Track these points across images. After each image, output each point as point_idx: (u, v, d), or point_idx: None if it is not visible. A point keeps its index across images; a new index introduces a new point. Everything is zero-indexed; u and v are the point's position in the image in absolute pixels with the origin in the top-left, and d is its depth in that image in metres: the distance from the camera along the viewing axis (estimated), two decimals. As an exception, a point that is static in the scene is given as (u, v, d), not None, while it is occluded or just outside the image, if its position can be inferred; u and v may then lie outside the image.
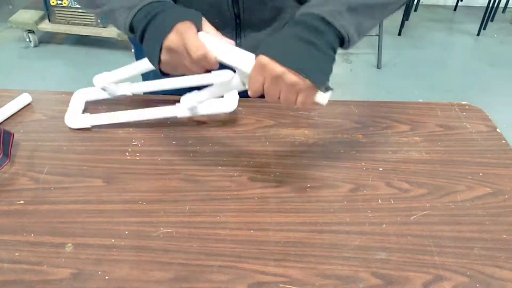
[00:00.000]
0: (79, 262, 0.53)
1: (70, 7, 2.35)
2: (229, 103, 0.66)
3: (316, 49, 0.51)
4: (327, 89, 0.52)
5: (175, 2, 0.68)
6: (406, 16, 2.87)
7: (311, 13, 0.52)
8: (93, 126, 0.74)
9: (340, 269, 0.53)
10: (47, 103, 0.80)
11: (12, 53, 2.46)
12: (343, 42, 0.54)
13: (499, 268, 0.54)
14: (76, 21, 2.39)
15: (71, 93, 0.82)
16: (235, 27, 0.74)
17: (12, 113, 0.77)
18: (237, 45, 0.56)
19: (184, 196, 0.63)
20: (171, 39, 0.53)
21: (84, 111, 0.77)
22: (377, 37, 2.45)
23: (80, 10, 2.35)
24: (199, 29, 0.54)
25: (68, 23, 2.40)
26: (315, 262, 0.54)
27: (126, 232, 0.57)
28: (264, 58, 0.50)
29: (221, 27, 0.66)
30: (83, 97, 0.78)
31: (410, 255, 0.55)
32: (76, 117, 0.74)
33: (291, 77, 0.50)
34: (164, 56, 0.55)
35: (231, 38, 0.57)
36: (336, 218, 0.60)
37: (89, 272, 0.52)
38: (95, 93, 0.78)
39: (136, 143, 0.71)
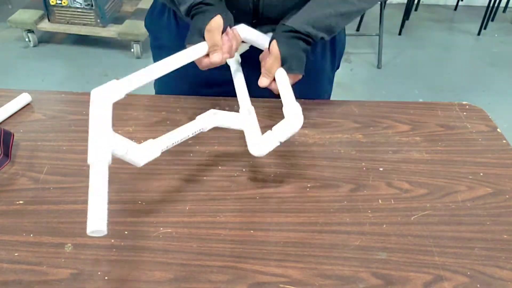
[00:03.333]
0: (79, 262, 0.53)
1: (70, 7, 2.34)
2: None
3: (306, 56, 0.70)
4: None
5: None
6: (406, 16, 2.87)
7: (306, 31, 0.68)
8: None
9: (341, 269, 0.53)
10: (46, 103, 0.80)
11: (11, 52, 2.46)
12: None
13: (499, 268, 0.54)
14: (76, 21, 2.39)
15: (70, 93, 0.82)
16: (252, 18, 0.74)
17: (11, 113, 0.77)
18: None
19: (184, 196, 0.62)
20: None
21: None
22: (377, 36, 2.45)
23: (79, 10, 2.34)
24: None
25: (67, 23, 2.40)
26: (315, 262, 0.54)
27: (126, 232, 0.57)
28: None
29: (238, 17, 0.70)
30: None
31: (410, 255, 0.55)
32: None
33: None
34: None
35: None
36: (336, 218, 0.60)
37: (88, 272, 0.52)
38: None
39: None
